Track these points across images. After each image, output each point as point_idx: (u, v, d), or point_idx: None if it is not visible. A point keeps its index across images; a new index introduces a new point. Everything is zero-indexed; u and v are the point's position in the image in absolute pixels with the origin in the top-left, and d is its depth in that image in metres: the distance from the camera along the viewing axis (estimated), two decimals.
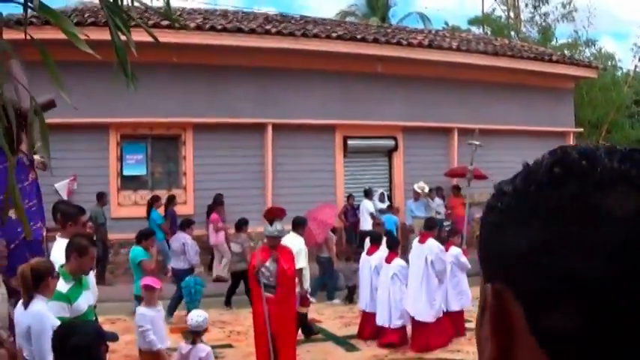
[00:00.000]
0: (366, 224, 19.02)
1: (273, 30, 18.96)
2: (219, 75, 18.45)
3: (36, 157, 8.03)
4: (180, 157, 18.76)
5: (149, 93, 15.62)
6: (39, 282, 5.97)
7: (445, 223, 19.74)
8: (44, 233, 7.85)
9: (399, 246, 13.11)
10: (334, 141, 20.44)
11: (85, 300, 6.81)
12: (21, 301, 6.21)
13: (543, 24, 37.16)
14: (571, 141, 25.30)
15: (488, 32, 36.22)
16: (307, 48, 19.13)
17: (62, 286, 6.41)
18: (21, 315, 6.01)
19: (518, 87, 23.50)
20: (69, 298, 6.52)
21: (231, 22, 19.30)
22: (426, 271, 11.99)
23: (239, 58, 18.57)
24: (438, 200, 21.00)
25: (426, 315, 11.81)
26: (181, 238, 14.37)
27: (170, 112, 17.34)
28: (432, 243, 12.23)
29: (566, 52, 29.59)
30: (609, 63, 33.97)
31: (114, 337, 6.07)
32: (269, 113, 18.98)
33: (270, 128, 19.06)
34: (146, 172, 18.06)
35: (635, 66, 35.26)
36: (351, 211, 19.60)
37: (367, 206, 19.72)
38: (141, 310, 8.56)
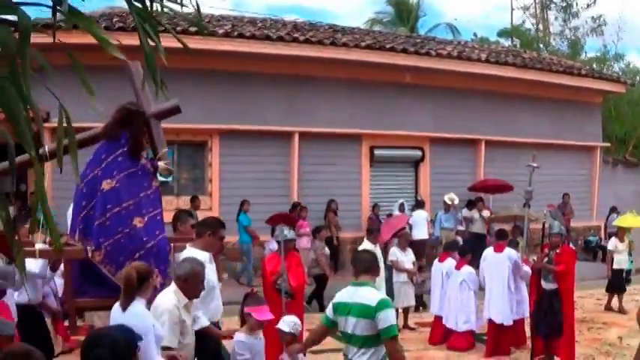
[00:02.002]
0: (420, 233, 19.54)
1: (302, 38, 18.93)
2: (247, 82, 18.41)
3: (160, 163, 7.91)
4: (206, 164, 18.77)
5: (176, 99, 15.53)
6: (142, 283, 6.07)
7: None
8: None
9: (469, 254, 13.53)
10: (361, 150, 20.41)
11: (214, 313, 7.16)
12: (117, 304, 6.21)
13: (572, 37, 36.99)
14: (598, 155, 25.11)
15: (517, 44, 36.15)
16: (335, 57, 19.12)
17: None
18: (120, 317, 5.98)
19: (546, 100, 23.47)
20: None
21: (260, 29, 19.30)
22: (508, 278, 12.56)
23: (267, 66, 18.53)
24: (466, 212, 20.80)
25: (509, 319, 12.40)
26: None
27: (197, 118, 17.23)
28: (509, 251, 12.70)
29: (594, 66, 29.44)
30: (637, 78, 33.60)
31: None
32: (296, 121, 18.92)
33: (296, 136, 19.00)
34: (172, 178, 17.96)
35: None
36: (375, 221, 19.41)
37: (423, 216, 20.14)
38: (240, 336, 7.62)
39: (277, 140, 19.03)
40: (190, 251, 7.58)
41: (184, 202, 17.64)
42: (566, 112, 24.13)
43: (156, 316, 6.09)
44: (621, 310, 16.45)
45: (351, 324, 6.23)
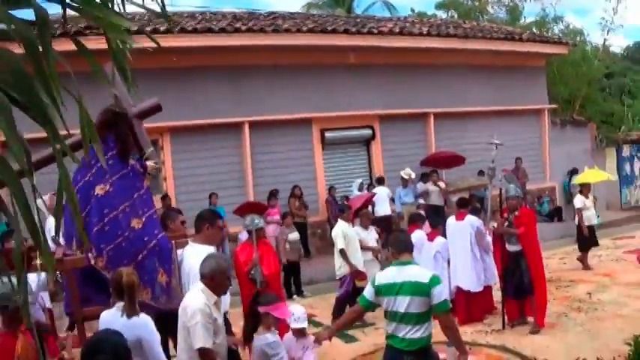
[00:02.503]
0: (383, 210, 19.87)
1: (244, 27, 18.87)
2: (193, 76, 18.36)
3: (149, 163, 7.86)
4: (159, 163, 18.50)
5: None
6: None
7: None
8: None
9: (440, 224, 13.53)
10: (312, 134, 20.42)
11: (223, 305, 6.81)
12: (116, 309, 6.13)
13: (510, 3, 37.22)
14: (546, 118, 25.44)
15: (455, 16, 36.24)
16: (279, 43, 19.15)
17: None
18: (123, 325, 5.92)
19: (490, 68, 23.78)
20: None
21: (201, 22, 19.21)
22: (471, 245, 12.70)
23: (211, 58, 18.52)
24: (421, 186, 20.99)
25: (477, 286, 12.61)
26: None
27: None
28: (470, 218, 12.82)
29: (534, 30, 29.62)
30: (578, 38, 34.00)
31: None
32: (244, 111, 18.93)
33: (246, 126, 18.98)
34: None
35: (605, 39, 35.36)
36: (333, 203, 19.49)
37: (385, 192, 20.27)
38: (267, 337, 7.26)
39: (227, 132, 19.01)
40: (193, 247, 7.62)
41: None
42: (511, 78, 24.42)
43: (186, 318, 6.03)
44: (586, 267, 16.74)
45: (402, 303, 6.37)
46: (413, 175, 20.79)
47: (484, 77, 23.65)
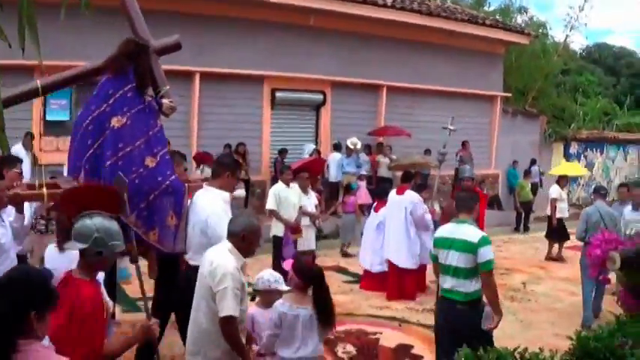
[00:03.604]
0: (334, 176, 20.34)
1: None
2: (151, 21, 17.88)
3: (164, 101, 7.70)
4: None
5: (75, 36, 15.17)
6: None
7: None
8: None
9: (385, 197, 13.50)
10: (262, 92, 20.26)
11: None
12: (54, 245, 5.96)
13: None
14: (499, 105, 25.63)
15: None
16: None
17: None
18: (59, 258, 5.76)
19: (449, 49, 23.87)
20: None
21: None
22: (406, 220, 12.67)
23: (170, 5, 18.13)
24: (364, 157, 21.08)
25: (408, 262, 12.63)
26: None
27: (96, 56, 16.78)
28: (411, 194, 12.78)
29: (498, 17, 29.73)
30: (540, 31, 34.22)
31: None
32: (198, 61, 18.65)
33: (197, 77, 18.74)
34: (70, 118, 17.50)
35: (567, 36, 35.64)
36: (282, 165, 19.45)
37: (337, 158, 20.48)
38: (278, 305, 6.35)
39: (178, 80, 18.73)
40: (208, 191, 7.42)
41: None
42: (469, 62, 24.54)
43: (213, 281, 5.54)
44: (560, 259, 17.03)
45: (454, 257, 7.20)
46: (359, 145, 20.84)
47: (442, 57, 23.72)
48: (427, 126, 21.06)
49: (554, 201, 17.17)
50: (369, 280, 13.21)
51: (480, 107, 25.43)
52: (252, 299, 7.05)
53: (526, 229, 22.76)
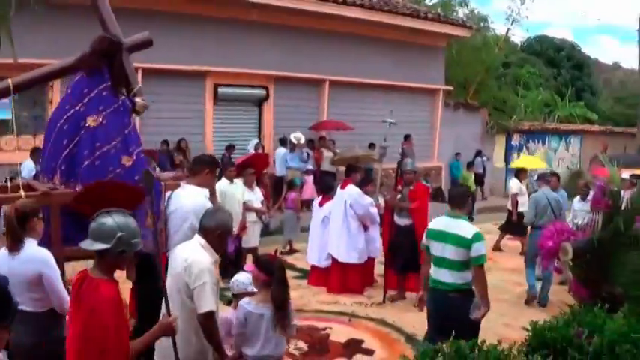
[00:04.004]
0: (279, 171, 20.44)
1: None
2: (89, 15, 17.76)
3: (138, 99, 7.59)
4: (46, 101, 18.03)
5: (16, 34, 14.97)
6: (25, 222, 5.72)
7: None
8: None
9: (332, 192, 13.67)
10: (205, 88, 20.19)
11: None
12: (3, 248, 5.82)
13: None
14: (441, 98, 25.88)
15: None
16: None
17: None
18: (8, 262, 5.63)
19: (391, 42, 24.08)
20: None
21: None
22: (345, 214, 12.72)
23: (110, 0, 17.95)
24: (308, 152, 21.21)
25: (349, 257, 12.64)
26: None
27: (37, 53, 16.61)
28: (351, 188, 12.78)
29: (439, 10, 29.98)
30: (481, 24, 34.57)
31: None
32: (139, 57, 18.37)
33: (140, 72, 18.56)
34: (11, 116, 17.29)
35: (508, 29, 36.03)
36: (229, 161, 19.42)
37: (282, 153, 20.55)
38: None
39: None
40: (189, 189, 7.40)
41: (25, 141, 17.06)
42: (411, 55, 24.80)
43: (189, 278, 5.56)
44: (498, 249, 17.39)
45: (448, 250, 7.56)
46: (302, 140, 20.92)
47: (384, 51, 23.91)
48: (370, 120, 21.15)
49: (515, 196, 17.22)
50: (316, 276, 13.23)
51: (422, 100, 25.72)
52: (228, 303, 7.15)
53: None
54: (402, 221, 12.03)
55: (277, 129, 21.66)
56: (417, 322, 10.54)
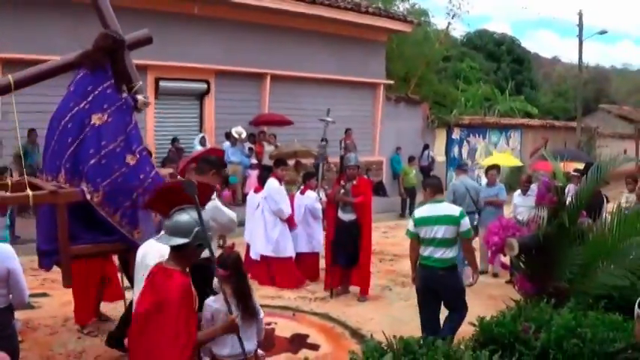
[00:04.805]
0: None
1: None
2: (35, 10, 17.66)
3: (139, 97, 7.63)
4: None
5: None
6: None
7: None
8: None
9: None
10: (146, 82, 20.13)
11: None
12: None
13: None
14: (381, 93, 26.14)
15: None
16: None
17: None
18: None
19: (332, 36, 24.33)
20: None
21: None
22: (262, 211, 12.93)
23: None
24: (249, 146, 21.35)
25: (265, 250, 12.83)
26: None
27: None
28: (270, 182, 12.95)
29: (380, 5, 30.25)
30: (422, 19, 34.91)
31: None
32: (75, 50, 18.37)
33: None
34: None
35: (449, 23, 36.48)
36: (177, 155, 19.43)
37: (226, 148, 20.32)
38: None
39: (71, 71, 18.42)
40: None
41: None
42: (352, 49, 25.09)
43: None
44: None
45: (440, 230, 8.42)
46: (244, 135, 21.09)
47: (325, 45, 24.20)
48: (311, 114, 21.33)
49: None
50: (255, 270, 12.95)
51: (363, 94, 26.04)
52: None
53: (411, 214, 23.38)
54: (345, 216, 12.00)
55: (219, 122, 21.79)
56: (360, 316, 10.81)
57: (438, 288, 8.50)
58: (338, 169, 20.13)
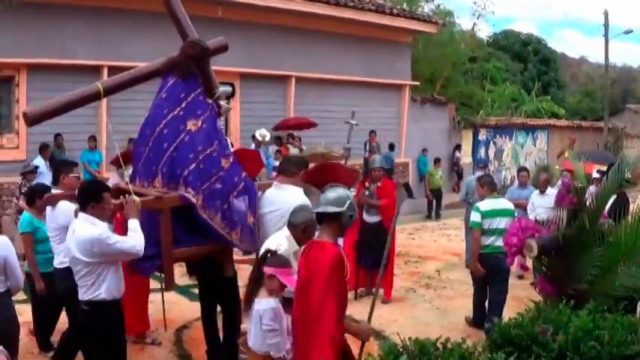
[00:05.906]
0: None
1: None
2: (54, 14, 17.88)
3: (222, 103, 8.01)
4: (13, 100, 18.07)
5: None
6: None
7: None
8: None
9: None
10: None
11: None
12: None
13: None
14: (407, 94, 26.19)
15: None
16: None
17: None
18: None
19: (357, 38, 24.40)
20: None
21: None
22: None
23: None
24: (274, 148, 21.45)
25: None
26: None
27: (2, 51, 16.72)
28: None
29: (405, 6, 30.32)
30: (447, 20, 34.93)
31: None
32: (104, 55, 18.66)
33: (105, 71, 18.73)
34: None
35: (474, 24, 36.49)
36: None
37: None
38: (271, 302, 6.25)
39: (86, 74, 18.47)
40: (291, 189, 7.72)
41: None
42: (377, 51, 25.15)
43: None
44: None
45: (502, 222, 10.01)
46: (267, 137, 21.17)
47: (351, 47, 24.26)
48: (336, 116, 21.41)
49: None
50: None
51: (388, 96, 26.08)
52: None
53: (438, 216, 23.46)
54: (371, 218, 12.17)
55: (244, 125, 21.92)
56: (384, 318, 10.94)
57: (494, 271, 10.15)
58: (362, 171, 20.25)
